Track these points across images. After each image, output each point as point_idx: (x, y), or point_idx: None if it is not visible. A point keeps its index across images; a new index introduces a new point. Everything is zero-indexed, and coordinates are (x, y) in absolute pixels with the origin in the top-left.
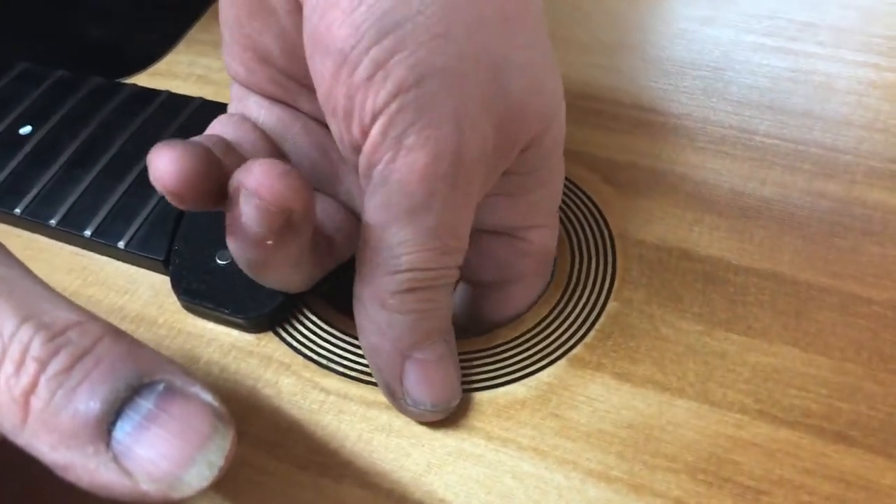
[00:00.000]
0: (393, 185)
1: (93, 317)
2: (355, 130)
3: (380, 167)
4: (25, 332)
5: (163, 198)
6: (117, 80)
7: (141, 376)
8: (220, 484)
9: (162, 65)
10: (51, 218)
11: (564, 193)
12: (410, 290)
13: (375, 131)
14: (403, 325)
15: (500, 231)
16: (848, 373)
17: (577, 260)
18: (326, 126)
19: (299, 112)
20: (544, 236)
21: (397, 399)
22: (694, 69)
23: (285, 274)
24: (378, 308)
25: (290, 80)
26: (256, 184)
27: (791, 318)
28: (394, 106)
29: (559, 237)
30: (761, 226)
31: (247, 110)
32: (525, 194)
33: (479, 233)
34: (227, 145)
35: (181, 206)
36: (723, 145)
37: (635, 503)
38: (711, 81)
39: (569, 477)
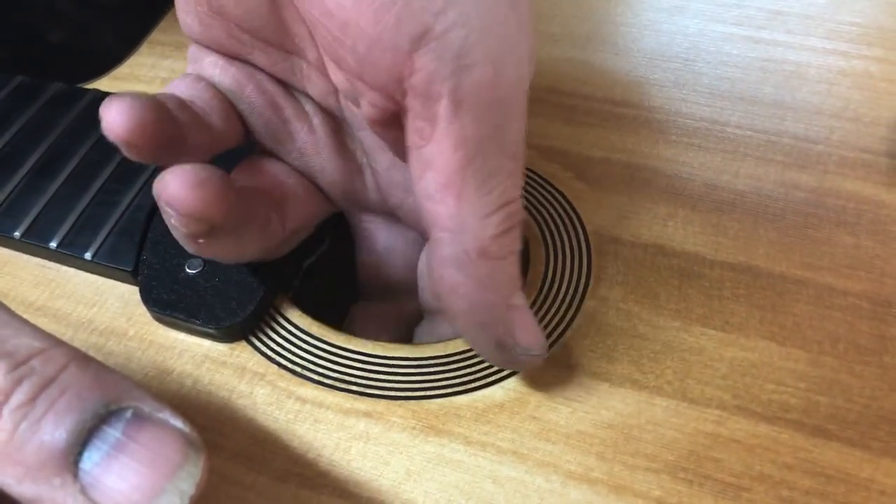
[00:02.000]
0: (467, 107)
1: (57, 342)
2: (389, 60)
3: (444, 100)
4: None
5: (129, 207)
6: (79, 86)
7: (108, 403)
8: (200, 500)
9: (124, 68)
10: (15, 230)
11: (538, 191)
12: (508, 230)
13: (427, 59)
14: (505, 270)
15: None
16: (825, 366)
17: (552, 259)
18: (280, 83)
19: (254, 69)
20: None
21: (508, 350)
22: (664, 61)
23: (234, 255)
24: (479, 260)
25: (245, 32)
26: (169, 197)
27: (767, 312)
28: (438, 28)
29: (534, 236)
30: (735, 219)
31: (203, 70)
32: None
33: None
34: (181, 102)
35: (137, 157)
36: (695, 138)
37: None
38: (682, 73)
39: (549, 480)
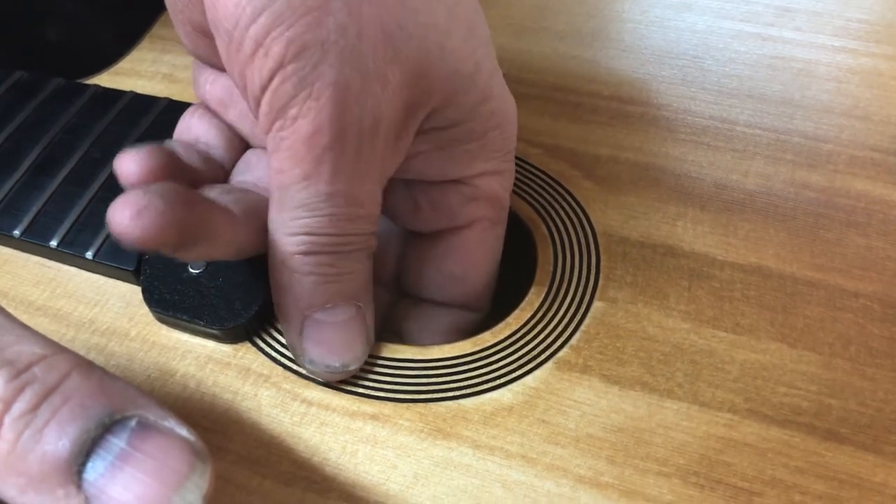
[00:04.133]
0: (284, 152)
1: (59, 349)
2: (251, 104)
3: (272, 135)
4: None
5: None
6: (79, 81)
7: (112, 412)
8: None
9: (125, 63)
10: (14, 228)
11: (545, 189)
12: (308, 252)
13: (264, 103)
14: (303, 285)
15: (444, 181)
16: (836, 368)
17: (560, 259)
18: None
19: None
20: (492, 182)
21: (297, 356)
22: (672, 58)
23: (220, 257)
24: (280, 266)
25: None
26: (116, 225)
27: (778, 314)
28: (276, 80)
29: (542, 236)
30: (745, 219)
31: (200, 89)
32: (458, 146)
33: (425, 185)
34: (187, 145)
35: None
36: (704, 136)
37: None
38: (690, 70)
39: (559, 484)
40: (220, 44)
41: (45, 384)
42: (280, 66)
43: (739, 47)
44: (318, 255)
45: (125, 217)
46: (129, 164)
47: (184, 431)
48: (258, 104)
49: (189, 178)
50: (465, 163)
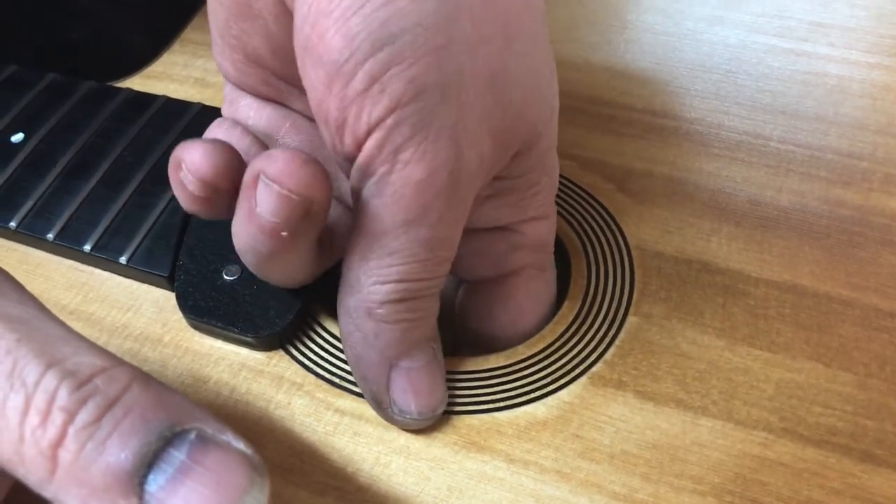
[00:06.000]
0: (387, 197)
1: (118, 361)
2: (348, 141)
3: (374, 179)
4: (50, 381)
5: (165, 210)
6: (111, 84)
7: (172, 425)
8: None
9: (156, 66)
10: (48, 232)
11: (578, 203)
12: (400, 300)
13: (371, 144)
14: (391, 334)
15: (493, 228)
16: (872, 389)
17: (594, 273)
18: (315, 124)
19: (290, 110)
20: (539, 228)
21: (384, 408)
22: (705, 72)
23: (291, 269)
24: (365, 317)
25: (281, 80)
26: (278, 172)
27: (813, 333)
28: (390, 120)
29: (576, 249)
30: (780, 236)
31: (238, 113)
32: (516, 193)
33: (472, 231)
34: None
35: (206, 206)
36: (738, 152)
37: None
38: (723, 85)
39: (593, 500)
40: (316, 76)
41: (106, 396)
42: (397, 105)
43: (773, 62)
44: (409, 302)
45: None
46: (199, 156)
47: (241, 445)
48: (359, 145)
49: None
50: (518, 210)
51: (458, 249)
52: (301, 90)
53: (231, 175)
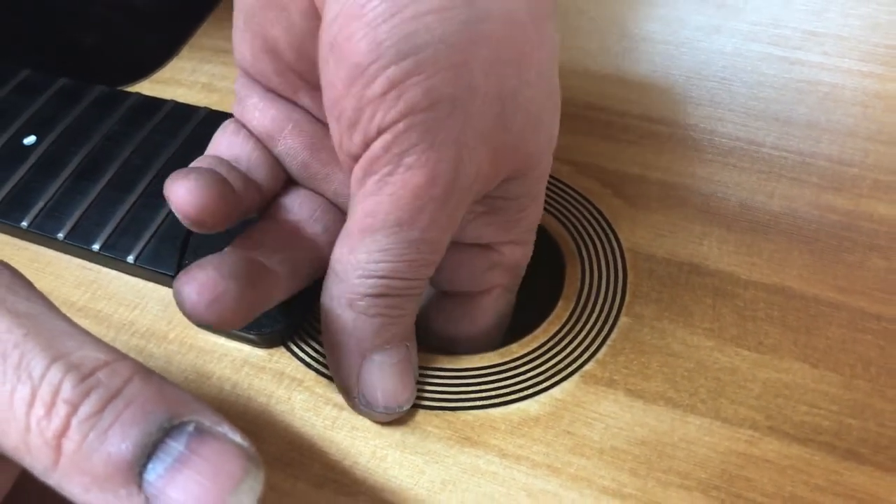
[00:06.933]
0: (384, 196)
1: (120, 355)
2: (357, 140)
3: (375, 178)
4: (55, 374)
5: (171, 212)
6: (121, 89)
7: (171, 417)
8: None
9: (165, 72)
10: (58, 231)
11: (574, 206)
12: (381, 295)
13: (378, 145)
14: (368, 327)
15: (475, 244)
16: (857, 389)
17: (587, 275)
18: (318, 123)
19: (295, 107)
20: (517, 252)
21: (351, 397)
22: (701, 79)
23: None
24: (345, 307)
25: (293, 73)
26: (191, 308)
27: (801, 334)
28: (402, 125)
29: (570, 251)
30: (770, 240)
31: (244, 113)
32: (504, 215)
33: (456, 244)
34: (230, 166)
35: (199, 230)
36: (731, 157)
37: None
38: (718, 92)
39: (583, 494)
40: (337, 74)
41: (109, 389)
42: (411, 112)
43: (767, 70)
44: (390, 298)
45: (201, 302)
46: (184, 194)
47: (237, 437)
48: (367, 145)
49: (234, 207)
50: (503, 231)
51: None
52: (311, 85)
53: (215, 209)
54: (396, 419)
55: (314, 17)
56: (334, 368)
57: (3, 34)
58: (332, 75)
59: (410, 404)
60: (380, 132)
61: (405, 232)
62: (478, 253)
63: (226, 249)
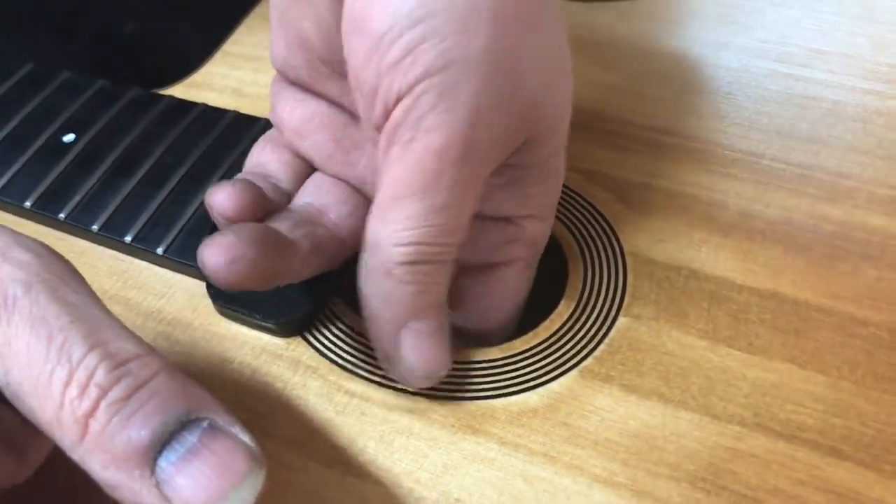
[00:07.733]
0: (408, 163)
1: (151, 351)
2: (379, 110)
3: (398, 147)
4: (92, 359)
5: (199, 207)
6: (155, 91)
7: (189, 412)
8: None
9: (197, 76)
10: (93, 223)
11: (579, 211)
12: (414, 262)
13: (398, 112)
14: (405, 294)
15: (495, 217)
16: (843, 390)
17: (589, 276)
18: (343, 115)
19: (321, 103)
20: (537, 226)
21: (393, 364)
22: (706, 93)
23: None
24: (383, 277)
25: (323, 64)
26: (211, 268)
27: (791, 337)
28: (418, 88)
29: (573, 253)
30: (765, 247)
31: (276, 115)
32: (522, 186)
33: (475, 217)
34: (264, 177)
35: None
36: (732, 168)
37: None
38: (723, 105)
39: (576, 481)
40: (359, 46)
41: (137, 379)
42: (426, 75)
43: (772, 86)
44: (421, 265)
45: (220, 262)
46: (223, 199)
47: (246, 438)
48: (388, 113)
49: (266, 209)
50: (522, 202)
51: None
52: (339, 75)
53: (250, 213)
54: (404, 408)
55: (338, 7)
56: (376, 337)
57: (49, 36)
58: (355, 47)
59: (448, 370)
60: (399, 98)
61: (430, 197)
62: (499, 225)
63: (248, 223)
